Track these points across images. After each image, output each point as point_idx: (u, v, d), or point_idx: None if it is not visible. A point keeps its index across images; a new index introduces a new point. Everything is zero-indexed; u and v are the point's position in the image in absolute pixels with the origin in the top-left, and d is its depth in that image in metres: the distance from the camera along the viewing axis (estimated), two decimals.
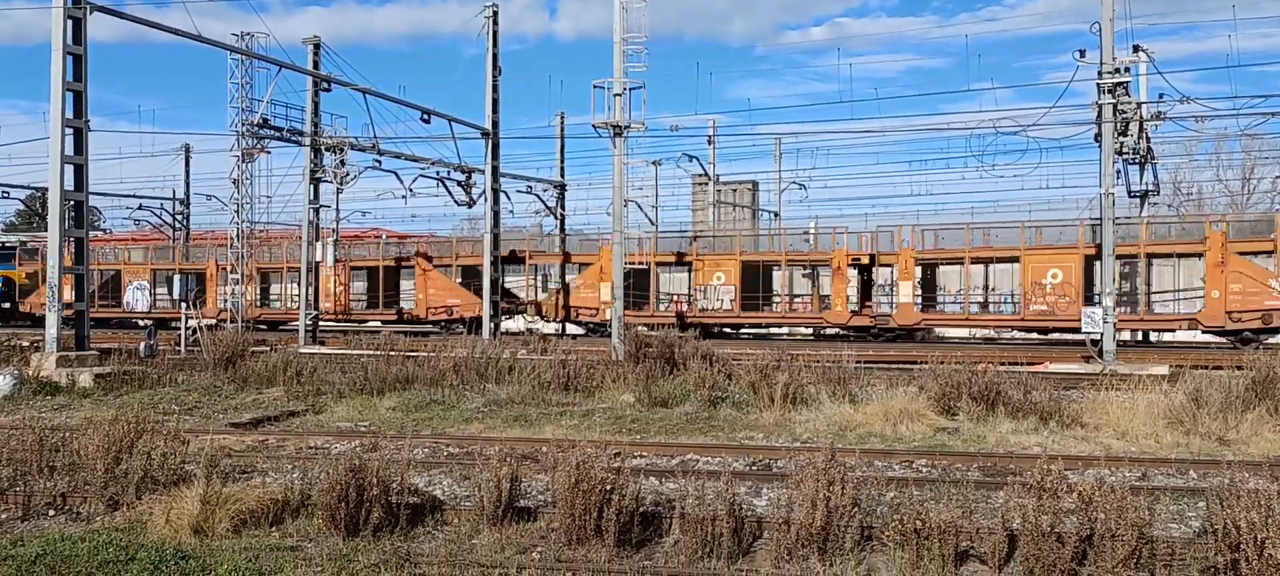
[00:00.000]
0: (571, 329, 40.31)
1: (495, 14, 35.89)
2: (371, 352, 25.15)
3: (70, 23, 22.75)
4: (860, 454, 12.10)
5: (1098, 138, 27.21)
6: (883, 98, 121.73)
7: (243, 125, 34.94)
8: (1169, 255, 31.56)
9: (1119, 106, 26.73)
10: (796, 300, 38.00)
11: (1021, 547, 7.75)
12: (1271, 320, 29.29)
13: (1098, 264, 29.04)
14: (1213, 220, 31.87)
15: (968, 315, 34.64)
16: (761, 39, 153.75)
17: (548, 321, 41.09)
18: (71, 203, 23.51)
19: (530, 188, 46.09)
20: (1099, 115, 26.81)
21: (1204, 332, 31.73)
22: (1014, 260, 33.19)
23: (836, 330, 36.15)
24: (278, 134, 33.68)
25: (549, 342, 27.74)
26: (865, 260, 36.13)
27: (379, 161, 35.81)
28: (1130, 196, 34.19)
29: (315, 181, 34.99)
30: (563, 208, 47.56)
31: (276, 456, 12.96)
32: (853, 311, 35.84)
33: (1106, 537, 7.47)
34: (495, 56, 36.41)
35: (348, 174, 34.70)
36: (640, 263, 37.01)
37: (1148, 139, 32.13)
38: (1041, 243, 33.08)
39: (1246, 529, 7.12)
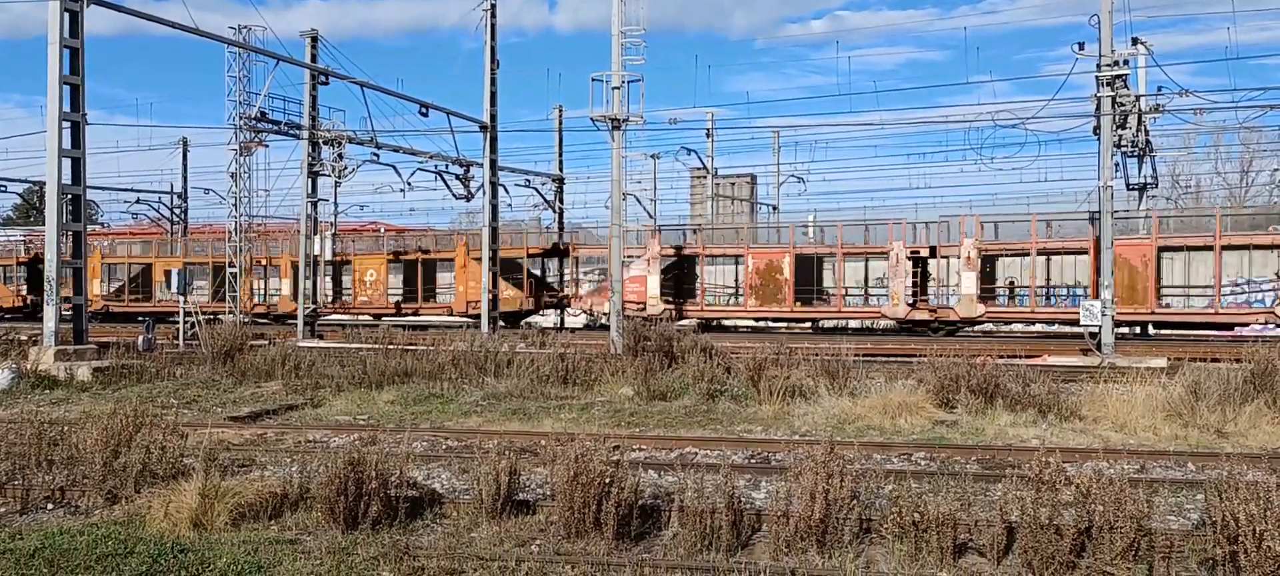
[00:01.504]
0: (570, 321, 40.91)
1: (493, 7, 35.82)
2: (370, 347, 25.14)
3: (67, 16, 22.68)
4: (859, 447, 12.06)
5: (1096, 131, 27.19)
6: (881, 90, 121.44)
7: (240, 119, 34.91)
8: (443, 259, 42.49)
9: (1117, 99, 26.70)
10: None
11: (1020, 540, 7.75)
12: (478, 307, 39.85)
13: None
14: (464, 234, 42.23)
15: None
16: (761, 32, 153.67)
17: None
18: (69, 197, 23.46)
19: (528, 181, 46.08)
20: (1098, 108, 26.78)
21: (459, 316, 40.63)
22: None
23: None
24: (275, 128, 33.63)
25: (547, 336, 27.73)
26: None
27: (377, 155, 35.80)
28: (1129, 189, 34.21)
29: (313, 175, 34.94)
30: (561, 201, 47.56)
31: (275, 450, 12.95)
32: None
33: (1105, 530, 7.46)
34: (493, 50, 36.35)
35: (346, 168, 34.66)
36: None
37: (1146, 132, 32.13)
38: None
39: (1245, 521, 7.12)
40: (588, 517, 8.40)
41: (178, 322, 30.14)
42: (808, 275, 37.36)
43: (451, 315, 41.57)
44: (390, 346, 24.37)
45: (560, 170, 47.92)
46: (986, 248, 34.18)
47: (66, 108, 22.86)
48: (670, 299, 38.40)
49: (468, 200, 40.47)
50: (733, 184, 61.78)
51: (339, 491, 8.79)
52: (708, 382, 17.78)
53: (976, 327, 35.02)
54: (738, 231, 40.43)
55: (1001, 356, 20.66)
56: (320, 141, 34.33)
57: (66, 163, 23.03)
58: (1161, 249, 31.86)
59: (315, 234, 35.79)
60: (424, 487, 10.07)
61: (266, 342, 25.78)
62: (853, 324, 38.38)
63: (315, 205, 35.63)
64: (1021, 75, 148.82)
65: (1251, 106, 29.95)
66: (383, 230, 52.65)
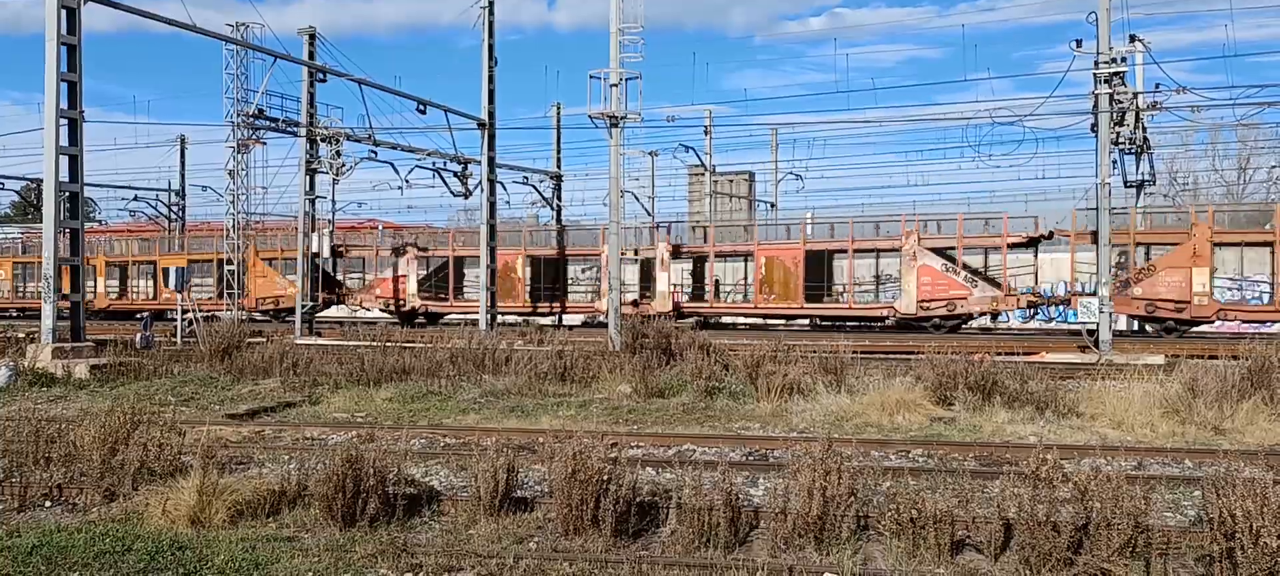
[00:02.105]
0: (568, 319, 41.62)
1: (491, 5, 35.75)
2: (368, 344, 25.13)
3: (65, 13, 22.65)
4: (857, 443, 12.04)
5: (1094, 128, 27.20)
6: (880, 88, 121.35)
7: (238, 116, 34.86)
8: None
9: (1115, 96, 26.70)
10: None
11: (1017, 536, 7.76)
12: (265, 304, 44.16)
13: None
14: (254, 237, 44.05)
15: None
16: (760, 29, 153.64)
17: None
18: (66, 194, 23.44)
19: (526, 179, 45.99)
20: (1095, 105, 26.78)
21: (249, 311, 42.44)
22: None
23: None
24: (273, 125, 33.60)
25: (545, 334, 27.75)
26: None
27: (375, 153, 35.77)
28: (1126, 186, 34.24)
29: (311, 172, 34.91)
30: (559, 199, 47.53)
31: (273, 447, 12.95)
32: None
33: (1102, 526, 7.47)
34: (491, 48, 36.28)
35: (343, 165, 34.62)
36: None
37: (1144, 129, 32.17)
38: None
39: (1242, 517, 7.13)
40: (586, 514, 8.41)
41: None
42: (538, 275, 42.12)
43: (242, 310, 43.93)
44: (388, 344, 24.35)
45: (558, 168, 47.87)
46: (678, 249, 39.36)
47: (64, 105, 22.84)
48: (430, 297, 42.61)
49: (465, 198, 40.46)
50: (731, 181, 61.71)
51: (337, 488, 8.79)
52: (706, 380, 17.79)
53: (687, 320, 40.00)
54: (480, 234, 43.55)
55: (999, 353, 20.67)
56: (318, 139, 34.30)
57: (64, 160, 23.01)
58: (809, 252, 36.00)
59: (314, 231, 35.76)
60: (422, 485, 10.08)
61: (264, 340, 25.77)
62: (578, 319, 42.40)
63: (313, 202, 35.61)
64: (1020, 72, 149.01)
65: (1249, 104, 29.93)
66: (381, 227, 52.63)
